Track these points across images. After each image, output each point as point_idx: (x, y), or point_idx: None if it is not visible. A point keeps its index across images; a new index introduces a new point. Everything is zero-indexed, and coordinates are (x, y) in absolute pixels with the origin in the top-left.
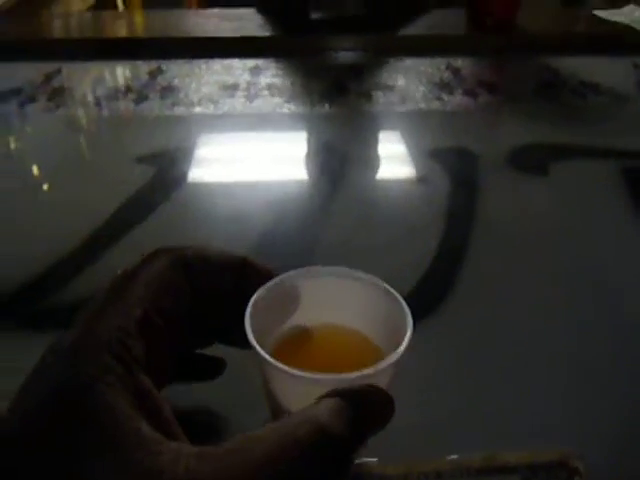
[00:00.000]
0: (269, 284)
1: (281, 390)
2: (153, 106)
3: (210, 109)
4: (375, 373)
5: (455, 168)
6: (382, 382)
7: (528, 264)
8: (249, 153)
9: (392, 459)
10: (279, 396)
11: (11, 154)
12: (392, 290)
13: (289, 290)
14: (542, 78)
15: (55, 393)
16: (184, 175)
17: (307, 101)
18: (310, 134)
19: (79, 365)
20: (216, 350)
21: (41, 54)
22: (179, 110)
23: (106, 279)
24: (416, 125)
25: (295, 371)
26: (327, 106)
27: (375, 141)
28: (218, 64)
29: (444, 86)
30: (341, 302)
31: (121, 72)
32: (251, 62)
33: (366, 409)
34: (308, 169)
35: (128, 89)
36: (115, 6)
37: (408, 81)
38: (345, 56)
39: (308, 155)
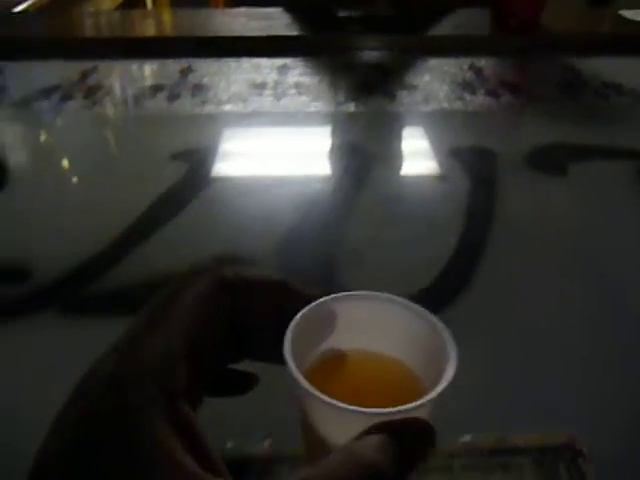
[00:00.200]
0: (309, 307)
1: (320, 422)
2: (185, 104)
3: (239, 107)
4: (420, 406)
5: (475, 167)
6: (424, 414)
7: (546, 262)
8: (276, 151)
9: None
10: (317, 428)
11: (51, 150)
12: (434, 317)
13: (328, 314)
14: (565, 79)
15: (99, 423)
16: (214, 172)
17: (333, 100)
18: (335, 132)
19: (124, 394)
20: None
21: (73, 52)
22: (209, 108)
23: (141, 269)
24: (439, 124)
25: (338, 403)
26: (352, 105)
27: (398, 140)
28: (247, 63)
29: (467, 86)
30: (380, 327)
31: (153, 70)
32: (279, 61)
33: (411, 443)
34: (333, 166)
35: (161, 87)
36: (144, 4)
37: (432, 81)
38: (371, 55)
39: (333, 153)
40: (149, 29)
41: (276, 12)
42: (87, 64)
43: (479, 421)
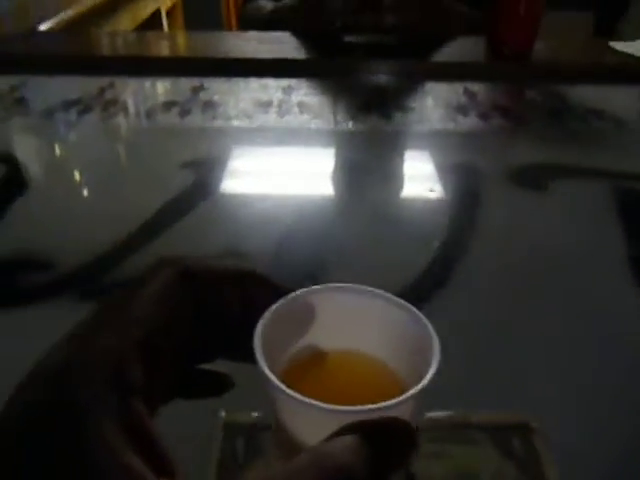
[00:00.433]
0: (283, 300)
1: (292, 421)
2: (196, 119)
3: (245, 123)
4: (398, 404)
5: (461, 182)
6: (405, 413)
7: (518, 267)
8: (277, 164)
9: None
10: (290, 427)
11: (69, 157)
12: (417, 311)
13: (304, 308)
14: (552, 105)
15: (35, 425)
16: (220, 181)
17: (332, 119)
18: (333, 148)
19: (66, 393)
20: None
21: (92, 69)
22: (218, 123)
23: (150, 263)
24: (431, 144)
25: (310, 401)
26: (351, 124)
27: (391, 157)
28: (255, 82)
29: (460, 109)
30: (360, 322)
31: (166, 88)
32: (284, 82)
33: (386, 445)
34: (329, 180)
35: (173, 103)
36: (161, 26)
37: (427, 103)
38: (371, 79)
39: (330, 167)
40: (164, 49)
41: (285, 36)
42: (105, 80)
43: (447, 400)
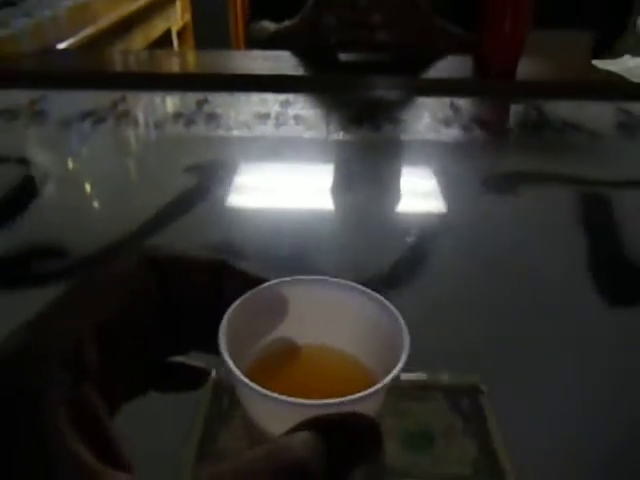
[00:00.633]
0: (252, 292)
1: (257, 414)
2: (200, 129)
3: (245, 132)
4: (363, 398)
5: (440, 187)
6: (371, 408)
7: (484, 263)
8: (273, 170)
9: None
10: (256, 420)
11: (84, 163)
12: (391, 305)
13: (275, 299)
14: (531, 118)
15: None
16: (220, 184)
17: (324, 130)
18: (324, 156)
19: (22, 376)
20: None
21: (105, 84)
22: (220, 132)
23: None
24: (414, 152)
25: (271, 394)
26: (342, 134)
27: (378, 163)
28: (255, 97)
29: (444, 121)
30: (332, 316)
31: (174, 101)
32: (282, 96)
33: (345, 441)
34: (321, 184)
35: (180, 115)
36: (171, 45)
37: (414, 116)
38: (363, 93)
39: (321, 174)
40: (173, 66)
41: (285, 55)
42: (117, 94)
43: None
